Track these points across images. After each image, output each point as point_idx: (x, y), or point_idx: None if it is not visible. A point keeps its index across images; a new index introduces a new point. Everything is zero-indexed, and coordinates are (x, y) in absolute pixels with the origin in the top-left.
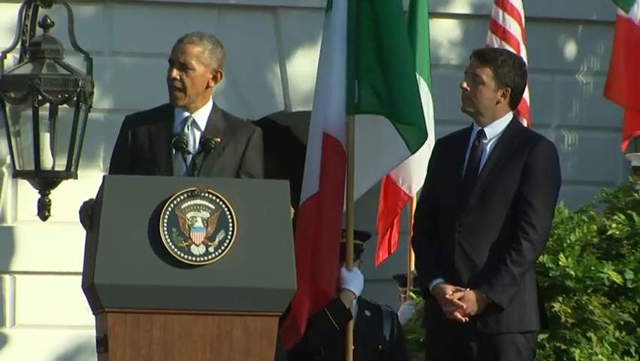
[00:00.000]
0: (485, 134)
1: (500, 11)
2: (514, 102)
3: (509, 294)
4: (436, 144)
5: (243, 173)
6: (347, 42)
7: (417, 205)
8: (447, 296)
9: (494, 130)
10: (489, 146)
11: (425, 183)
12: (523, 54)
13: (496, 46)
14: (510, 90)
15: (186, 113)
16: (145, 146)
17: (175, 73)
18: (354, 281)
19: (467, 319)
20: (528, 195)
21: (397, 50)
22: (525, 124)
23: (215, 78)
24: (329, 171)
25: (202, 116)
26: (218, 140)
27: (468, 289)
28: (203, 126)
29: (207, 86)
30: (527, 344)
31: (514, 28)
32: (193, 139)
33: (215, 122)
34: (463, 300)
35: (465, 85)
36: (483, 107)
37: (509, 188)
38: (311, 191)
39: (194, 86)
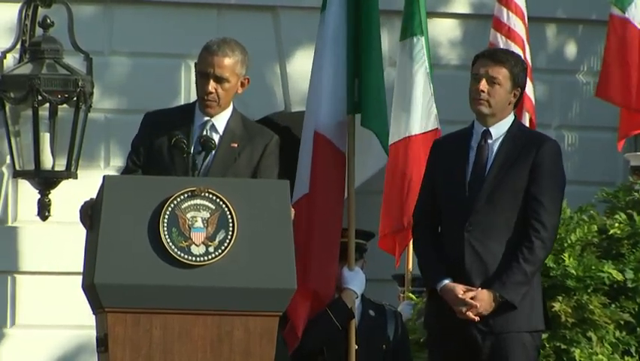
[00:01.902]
0: (491, 134)
1: (504, 9)
2: (518, 102)
3: (521, 292)
4: (433, 144)
5: (258, 177)
6: (346, 41)
7: (416, 205)
8: (460, 296)
9: (499, 130)
10: (495, 146)
11: (424, 183)
12: (528, 54)
13: (501, 44)
14: (520, 90)
15: (206, 117)
16: (163, 147)
17: (211, 87)
18: (355, 280)
19: (479, 318)
20: (537, 194)
21: (372, 55)
22: (528, 123)
23: (242, 85)
24: (320, 171)
25: (221, 120)
26: (213, 138)
27: (480, 289)
28: (221, 131)
29: (235, 93)
30: (534, 342)
31: (519, 27)
32: None
33: (233, 128)
34: (476, 299)
35: (482, 87)
36: (499, 108)
37: (518, 187)
38: (301, 192)
39: (228, 97)
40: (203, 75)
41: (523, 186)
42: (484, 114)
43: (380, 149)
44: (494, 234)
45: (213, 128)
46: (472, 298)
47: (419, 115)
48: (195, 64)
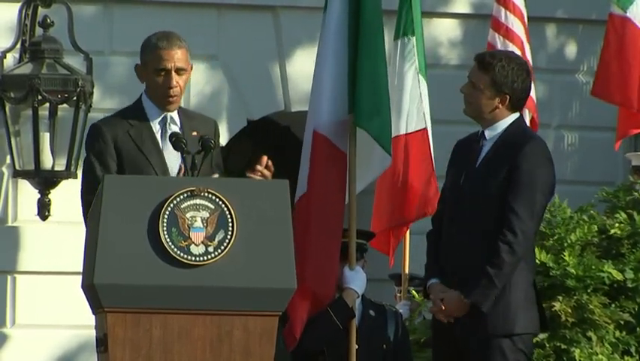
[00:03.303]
0: (485, 135)
1: (502, 9)
2: (516, 105)
3: (488, 296)
4: (455, 144)
5: (213, 164)
6: (347, 41)
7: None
8: (432, 296)
9: (494, 132)
10: (486, 147)
11: (444, 183)
12: (528, 54)
13: (499, 44)
14: (509, 97)
15: (161, 112)
16: (130, 149)
17: (175, 81)
18: (356, 280)
19: (451, 320)
20: (511, 200)
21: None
22: (529, 122)
23: (190, 73)
24: (318, 171)
25: (174, 113)
26: (176, 130)
27: (450, 291)
28: (179, 123)
29: None
30: (514, 346)
31: (518, 27)
32: None
33: (186, 118)
34: (444, 301)
35: (463, 89)
36: (481, 112)
37: (497, 190)
38: (301, 191)
39: (185, 88)
40: (162, 71)
41: (501, 189)
42: (468, 116)
43: (382, 151)
44: (473, 237)
45: (173, 121)
46: (442, 300)
47: (408, 115)
48: (138, 65)
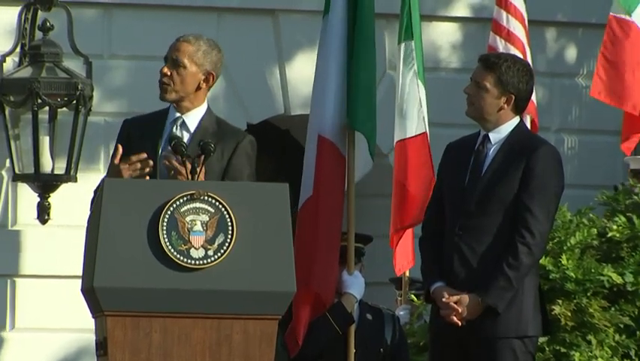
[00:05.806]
0: (490, 139)
1: (504, 13)
2: (520, 108)
3: (505, 298)
4: (446, 147)
5: (227, 178)
6: (347, 45)
7: (426, 209)
8: (443, 300)
9: (499, 135)
10: (492, 151)
11: (434, 186)
12: (529, 57)
13: (500, 48)
14: (514, 97)
15: (177, 114)
16: (136, 147)
17: (166, 69)
18: (355, 285)
19: (464, 323)
20: (526, 200)
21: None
22: (530, 125)
23: (207, 80)
24: (324, 174)
25: (193, 118)
26: (183, 135)
27: (464, 293)
28: (192, 128)
29: (199, 88)
30: (525, 348)
31: (519, 30)
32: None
33: (206, 126)
34: (459, 304)
35: (468, 90)
36: (485, 113)
37: (508, 193)
38: (307, 194)
39: (184, 85)
40: (164, 60)
41: (513, 192)
42: (472, 118)
43: (367, 154)
44: (483, 239)
45: (184, 125)
46: (455, 303)
47: (408, 119)
48: None
